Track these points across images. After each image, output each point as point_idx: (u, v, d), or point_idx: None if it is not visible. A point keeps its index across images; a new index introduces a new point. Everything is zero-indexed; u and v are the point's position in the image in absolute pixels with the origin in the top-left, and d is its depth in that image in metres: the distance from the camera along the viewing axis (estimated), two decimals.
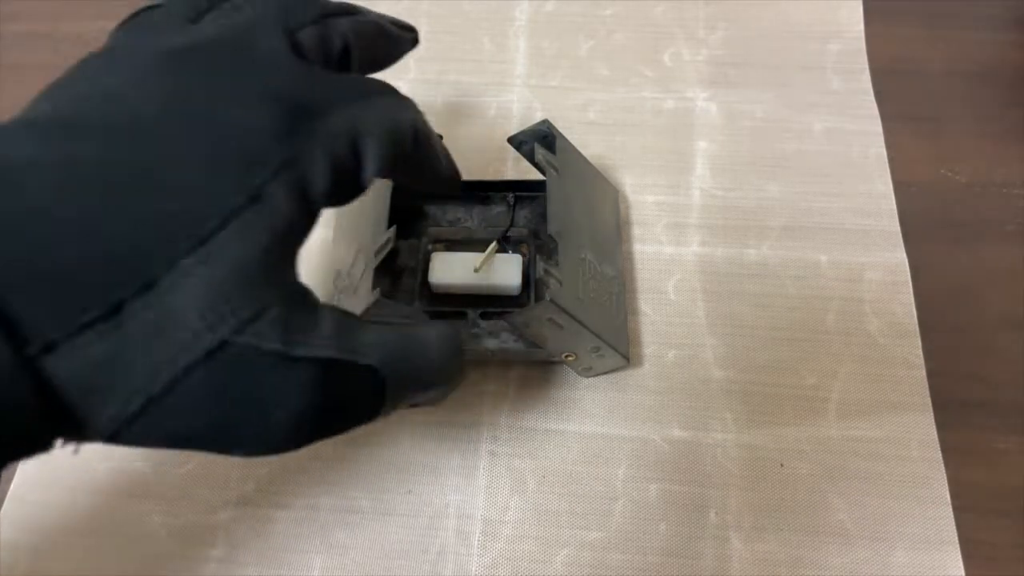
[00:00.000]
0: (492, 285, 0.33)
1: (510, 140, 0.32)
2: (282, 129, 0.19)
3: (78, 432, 0.17)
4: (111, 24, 0.22)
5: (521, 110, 0.43)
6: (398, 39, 0.27)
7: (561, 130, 0.34)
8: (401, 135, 0.22)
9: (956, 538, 0.30)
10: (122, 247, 0.17)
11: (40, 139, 0.18)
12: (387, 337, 0.21)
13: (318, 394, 0.19)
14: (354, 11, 0.25)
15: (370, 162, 0.21)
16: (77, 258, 0.16)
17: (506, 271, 0.33)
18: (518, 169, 0.40)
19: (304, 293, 0.20)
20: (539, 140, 0.32)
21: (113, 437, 0.18)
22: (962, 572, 0.30)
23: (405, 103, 0.23)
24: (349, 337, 0.20)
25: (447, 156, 0.27)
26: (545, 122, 0.32)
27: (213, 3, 0.22)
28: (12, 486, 0.33)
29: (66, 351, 0.16)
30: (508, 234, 0.35)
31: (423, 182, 0.25)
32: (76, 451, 0.19)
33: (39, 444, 0.17)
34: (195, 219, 0.18)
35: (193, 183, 0.18)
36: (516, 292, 0.33)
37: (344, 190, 0.21)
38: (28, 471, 0.33)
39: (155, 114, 0.19)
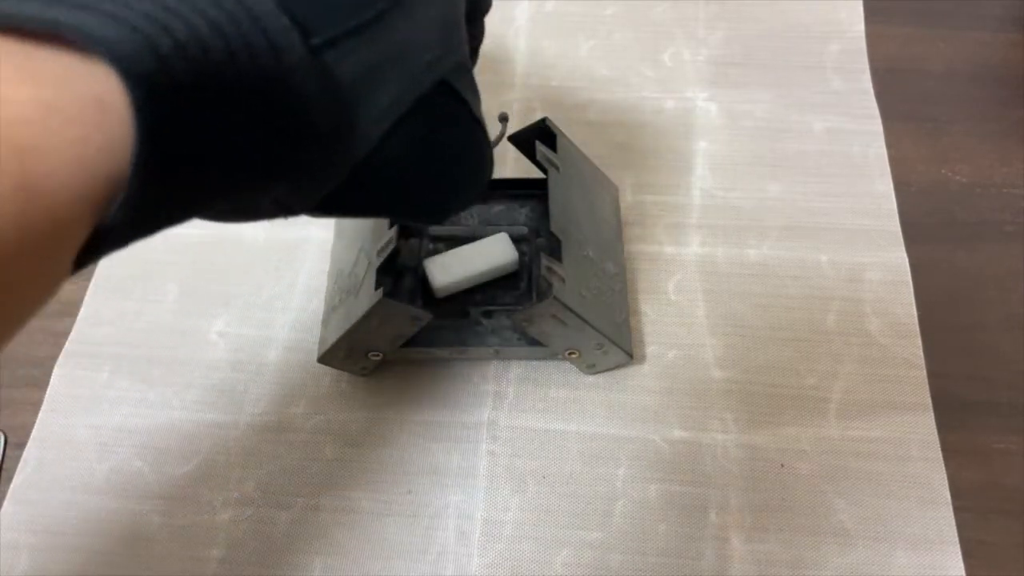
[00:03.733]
0: (491, 268, 0.33)
1: (511, 138, 0.32)
2: None
3: (339, 146, 0.19)
4: None
5: (521, 110, 0.43)
6: None
7: (561, 130, 0.34)
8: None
9: (956, 538, 0.30)
10: None
11: None
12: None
13: (489, 151, 0.23)
14: None
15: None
16: None
17: (499, 249, 0.33)
18: (518, 167, 0.40)
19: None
20: (540, 138, 0.32)
21: (357, 171, 0.19)
22: (962, 572, 0.30)
23: None
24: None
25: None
26: (545, 119, 0.32)
27: None
28: (12, 486, 0.32)
29: (342, 51, 0.18)
30: (509, 230, 0.35)
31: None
32: None
33: (311, 150, 0.18)
34: None
35: None
36: (515, 267, 0.33)
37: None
38: (28, 471, 0.33)
39: None
